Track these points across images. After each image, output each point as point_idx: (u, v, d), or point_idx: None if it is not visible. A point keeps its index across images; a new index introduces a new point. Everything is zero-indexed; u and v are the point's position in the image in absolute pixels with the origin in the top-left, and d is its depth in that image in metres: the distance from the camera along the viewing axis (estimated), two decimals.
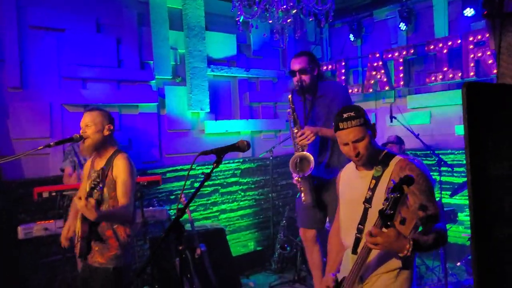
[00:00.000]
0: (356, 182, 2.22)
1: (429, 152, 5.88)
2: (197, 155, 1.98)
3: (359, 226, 2.10)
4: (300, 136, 3.39)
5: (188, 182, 5.38)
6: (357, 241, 2.09)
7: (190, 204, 4.85)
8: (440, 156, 4.46)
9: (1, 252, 3.98)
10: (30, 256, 4.23)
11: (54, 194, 3.57)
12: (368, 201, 2.09)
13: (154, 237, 4.82)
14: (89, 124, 2.82)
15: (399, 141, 5.24)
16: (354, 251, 2.08)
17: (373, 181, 2.10)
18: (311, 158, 3.39)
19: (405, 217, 1.82)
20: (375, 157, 2.14)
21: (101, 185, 2.65)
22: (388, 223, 1.82)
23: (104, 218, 2.71)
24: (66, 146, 4.28)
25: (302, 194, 3.53)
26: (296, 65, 3.56)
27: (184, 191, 5.13)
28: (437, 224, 2.02)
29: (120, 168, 2.80)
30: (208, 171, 1.91)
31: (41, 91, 4.47)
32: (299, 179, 3.46)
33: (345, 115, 2.08)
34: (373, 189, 2.09)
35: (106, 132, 2.86)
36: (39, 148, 2.81)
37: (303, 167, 3.43)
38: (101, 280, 2.71)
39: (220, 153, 1.99)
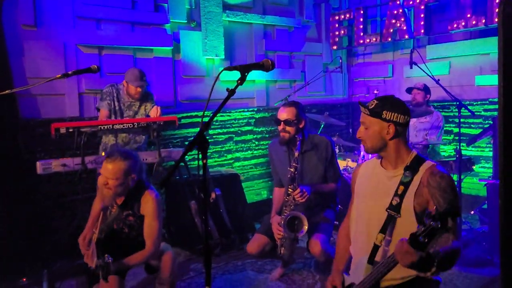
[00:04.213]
0: (379, 181, 2.13)
1: (446, 103, 5.79)
2: (221, 71, 1.94)
3: (381, 234, 2.01)
4: (299, 193, 3.31)
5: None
6: (375, 249, 2.02)
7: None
8: (461, 102, 4.36)
9: (22, 190, 4.03)
10: (49, 195, 4.29)
11: (71, 130, 3.54)
12: (395, 208, 2.00)
13: (171, 181, 4.85)
14: (111, 177, 2.71)
15: (425, 89, 5.12)
16: (371, 260, 2.02)
17: (402, 187, 2.02)
18: (306, 221, 3.33)
19: (438, 250, 1.70)
20: (402, 157, 2.11)
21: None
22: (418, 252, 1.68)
23: (132, 267, 2.81)
24: (105, 86, 4.29)
25: (282, 248, 3.44)
26: (283, 114, 3.49)
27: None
28: (454, 243, 1.90)
29: (149, 208, 2.83)
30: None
31: (55, 30, 4.40)
32: (286, 235, 3.37)
33: (371, 102, 2.14)
34: (401, 196, 2.00)
35: (130, 183, 2.79)
36: (57, 76, 2.77)
37: (294, 227, 3.36)
38: None
39: (244, 70, 1.93)
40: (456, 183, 4.52)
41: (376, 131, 2.10)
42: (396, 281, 2.04)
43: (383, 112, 2.08)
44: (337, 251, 2.39)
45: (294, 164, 3.39)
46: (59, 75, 2.77)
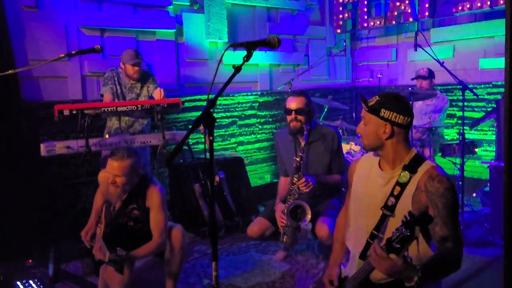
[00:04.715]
0: (375, 181, 2.07)
1: (450, 87, 5.77)
2: (227, 48, 1.93)
3: (374, 232, 1.98)
4: (304, 183, 3.33)
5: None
6: (367, 246, 1.99)
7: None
8: (465, 84, 4.33)
9: (26, 173, 4.04)
10: (54, 178, 4.31)
11: (75, 112, 3.54)
12: (390, 208, 1.95)
13: (174, 164, 4.86)
14: (119, 175, 2.72)
15: (430, 74, 5.08)
16: (363, 256, 1.99)
17: (398, 188, 1.96)
18: (309, 210, 3.35)
19: (410, 257, 1.66)
20: (401, 157, 2.01)
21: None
22: (391, 256, 1.66)
23: (140, 258, 2.81)
24: (106, 71, 4.28)
25: (285, 236, 3.48)
26: (293, 103, 3.48)
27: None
28: (452, 248, 1.85)
29: (154, 201, 2.85)
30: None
31: (56, 12, 4.38)
32: (289, 224, 3.40)
33: (373, 98, 2.03)
34: (397, 197, 1.94)
35: (135, 179, 2.82)
36: (60, 56, 2.76)
37: (297, 216, 3.38)
38: None
39: (250, 47, 1.92)
40: (459, 166, 4.56)
41: (373, 129, 2.01)
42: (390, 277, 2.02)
43: (381, 110, 1.97)
44: (335, 245, 2.35)
45: (300, 154, 3.41)
46: (63, 55, 2.77)
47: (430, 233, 1.91)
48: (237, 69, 1.88)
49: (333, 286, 2.14)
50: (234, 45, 1.92)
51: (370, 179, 2.10)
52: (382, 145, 2.01)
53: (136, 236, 2.89)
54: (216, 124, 1.81)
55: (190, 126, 5.21)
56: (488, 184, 4.52)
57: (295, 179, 3.41)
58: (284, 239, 3.50)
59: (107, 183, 2.78)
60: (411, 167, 1.97)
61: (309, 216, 3.35)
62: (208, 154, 4.52)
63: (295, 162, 3.42)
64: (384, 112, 1.97)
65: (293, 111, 3.48)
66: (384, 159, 2.06)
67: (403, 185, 1.95)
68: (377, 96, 2.03)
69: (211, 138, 1.81)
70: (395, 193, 1.95)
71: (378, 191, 2.03)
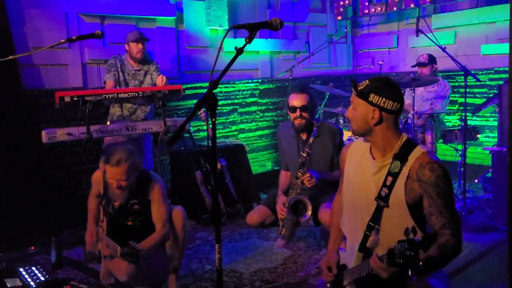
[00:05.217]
0: (368, 170, 2.03)
1: (451, 73, 5.74)
2: (230, 28, 1.91)
3: (370, 223, 1.96)
4: (308, 178, 3.34)
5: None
6: (365, 238, 1.98)
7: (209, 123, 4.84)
8: (467, 69, 4.31)
9: (27, 161, 4.04)
10: (55, 165, 4.31)
11: (76, 99, 3.52)
12: (383, 199, 1.92)
13: (175, 151, 4.87)
14: (123, 178, 2.72)
15: (430, 60, 5.04)
16: (361, 248, 1.98)
17: (390, 178, 1.92)
18: (310, 206, 3.36)
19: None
20: (391, 143, 1.96)
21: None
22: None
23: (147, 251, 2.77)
24: (109, 58, 4.29)
25: (283, 229, 3.52)
26: (297, 101, 3.48)
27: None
28: (451, 236, 1.84)
29: (155, 194, 2.86)
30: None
31: None
32: (288, 218, 3.43)
33: (363, 82, 1.98)
34: (390, 187, 1.91)
35: (136, 176, 2.82)
36: (61, 41, 2.75)
37: (297, 211, 3.40)
38: None
39: (252, 29, 1.90)
40: (461, 152, 4.56)
41: (362, 113, 1.96)
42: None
43: (370, 95, 1.92)
44: (332, 231, 2.33)
45: (307, 150, 3.42)
46: (63, 40, 2.76)
47: (427, 222, 1.91)
48: (239, 50, 1.85)
49: (330, 272, 2.13)
50: (236, 26, 1.90)
51: (362, 168, 2.07)
52: (371, 130, 1.97)
53: (138, 231, 2.90)
54: (217, 110, 1.79)
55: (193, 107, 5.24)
56: (490, 170, 4.52)
57: (300, 174, 3.43)
58: (282, 232, 3.56)
59: (112, 187, 2.79)
60: (402, 155, 1.93)
61: (309, 212, 3.38)
62: (210, 142, 4.56)
63: (301, 157, 3.44)
64: (373, 97, 1.92)
65: (298, 109, 3.48)
66: (374, 146, 2.02)
67: (394, 175, 1.92)
68: (367, 80, 1.98)
69: (213, 120, 1.80)
70: (388, 183, 1.92)
71: (371, 180, 2.00)
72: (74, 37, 2.75)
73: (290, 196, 3.46)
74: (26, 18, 4.18)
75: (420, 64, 5.05)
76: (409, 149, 1.94)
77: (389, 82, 1.98)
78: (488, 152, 4.37)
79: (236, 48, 1.85)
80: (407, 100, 5.39)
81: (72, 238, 3.87)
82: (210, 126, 1.77)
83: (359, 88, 1.96)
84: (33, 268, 2.80)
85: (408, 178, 1.89)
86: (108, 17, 4.69)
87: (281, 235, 3.61)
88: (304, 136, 3.59)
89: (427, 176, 1.86)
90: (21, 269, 2.79)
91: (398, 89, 1.97)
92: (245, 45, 1.86)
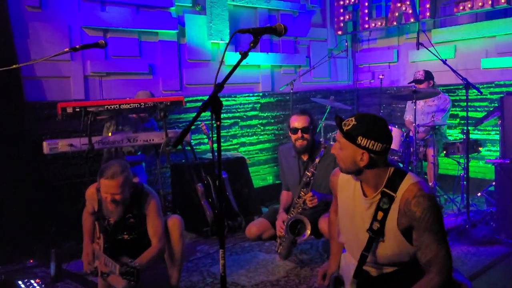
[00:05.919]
0: (360, 206, 2.04)
1: (452, 87, 5.76)
2: (234, 32, 1.92)
3: (364, 253, 1.98)
4: (311, 198, 3.36)
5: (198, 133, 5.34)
6: (360, 265, 2.00)
7: (210, 136, 4.84)
8: (468, 81, 4.32)
9: (28, 173, 4.02)
10: (56, 177, 4.29)
11: (78, 110, 3.52)
12: (376, 233, 1.94)
13: (176, 164, 4.86)
14: (117, 192, 2.70)
15: (427, 77, 5.07)
16: (356, 275, 2.00)
17: (380, 213, 1.93)
18: (309, 225, 3.37)
19: None
20: (382, 178, 1.96)
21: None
22: None
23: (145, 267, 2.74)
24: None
25: (281, 247, 3.55)
26: (298, 122, 3.54)
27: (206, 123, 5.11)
28: (436, 274, 1.84)
29: (151, 207, 2.85)
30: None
31: (60, 12, 4.38)
32: (286, 236, 3.44)
33: (349, 120, 1.96)
34: (381, 221, 1.93)
35: (130, 190, 2.81)
36: (65, 50, 2.75)
37: (295, 230, 3.42)
38: None
39: (257, 34, 1.92)
40: (463, 165, 4.53)
41: (349, 155, 1.94)
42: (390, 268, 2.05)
43: (358, 138, 1.89)
44: (331, 242, 2.37)
45: (312, 170, 3.39)
46: (67, 49, 2.76)
47: (416, 255, 1.93)
48: (244, 55, 1.87)
49: (323, 281, 2.16)
50: (240, 31, 1.91)
51: (354, 203, 2.07)
52: (361, 171, 1.97)
53: (134, 245, 2.88)
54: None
55: (192, 127, 5.23)
56: (493, 183, 4.50)
57: (302, 193, 3.43)
58: (279, 250, 3.57)
59: (106, 202, 2.76)
60: (390, 190, 1.93)
61: (308, 232, 3.38)
62: (210, 155, 4.54)
63: (306, 177, 3.42)
64: (361, 140, 1.89)
65: (299, 130, 3.51)
66: (365, 182, 2.02)
67: (385, 211, 1.93)
68: (353, 119, 1.94)
69: (218, 123, 1.80)
70: (379, 217, 1.93)
71: (364, 214, 2.01)
72: (78, 46, 2.76)
73: (291, 215, 3.47)
74: (30, 31, 4.21)
75: (416, 81, 5.07)
76: (398, 181, 1.94)
77: (375, 120, 1.95)
78: (490, 165, 4.35)
79: (240, 52, 1.86)
80: (408, 117, 5.41)
81: (72, 250, 3.83)
82: (215, 130, 1.76)
83: (345, 129, 1.94)
84: (32, 281, 2.76)
85: (398, 213, 1.92)
86: (111, 30, 4.72)
87: (277, 252, 3.62)
88: (305, 157, 3.63)
89: (412, 212, 1.88)
90: (19, 282, 2.76)
91: (386, 127, 1.95)
92: (249, 50, 1.88)
